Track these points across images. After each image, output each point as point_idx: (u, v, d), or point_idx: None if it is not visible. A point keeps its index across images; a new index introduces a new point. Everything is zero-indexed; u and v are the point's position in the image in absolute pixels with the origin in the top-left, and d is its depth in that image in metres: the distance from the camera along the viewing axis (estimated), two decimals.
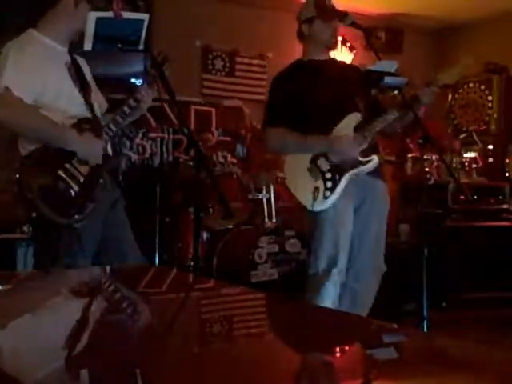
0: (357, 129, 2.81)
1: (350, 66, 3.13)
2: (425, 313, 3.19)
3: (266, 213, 4.34)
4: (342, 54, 6.86)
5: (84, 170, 2.37)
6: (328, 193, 2.74)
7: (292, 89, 2.86)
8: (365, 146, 2.79)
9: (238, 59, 6.44)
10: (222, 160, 4.77)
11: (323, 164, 2.78)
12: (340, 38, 6.79)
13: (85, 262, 2.32)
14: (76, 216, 2.32)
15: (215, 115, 6.08)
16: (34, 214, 2.30)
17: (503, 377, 0.77)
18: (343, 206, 2.77)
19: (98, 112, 2.50)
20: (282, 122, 2.82)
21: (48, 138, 2.33)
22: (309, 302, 2.67)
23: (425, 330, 3.11)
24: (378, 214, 2.89)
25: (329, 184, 2.75)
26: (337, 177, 2.76)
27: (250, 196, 4.44)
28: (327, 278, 2.75)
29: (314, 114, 2.81)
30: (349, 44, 6.78)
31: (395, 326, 1.00)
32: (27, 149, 2.33)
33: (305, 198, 2.75)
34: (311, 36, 2.89)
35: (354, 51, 6.79)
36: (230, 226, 4.26)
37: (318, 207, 2.73)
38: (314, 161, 2.78)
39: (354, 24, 2.86)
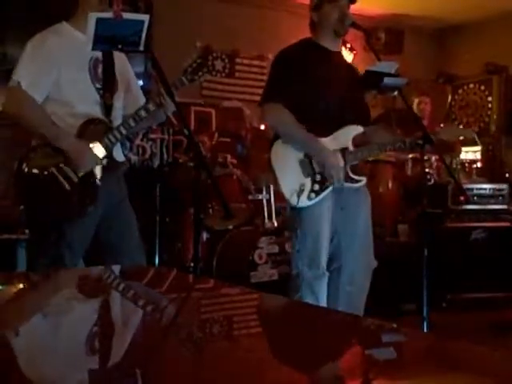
0: (355, 142, 2.81)
1: (353, 67, 3.08)
2: (425, 313, 3.19)
3: (266, 213, 4.34)
4: None
5: (81, 172, 2.36)
6: (313, 195, 2.74)
7: (299, 65, 2.77)
8: (355, 162, 2.82)
9: (238, 60, 6.44)
10: (221, 161, 4.77)
11: (317, 164, 2.75)
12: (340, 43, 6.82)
13: (72, 260, 2.32)
14: (65, 215, 2.32)
15: (215, 116, 6.08)
16: (21, 207, 2.32)
17: (503, 377, 0.77)
18: (325, 206, 2.77)
19: (116, 113, 2.49)
20: (284, 100, 2.72)
21: (46, 138, 2.35)
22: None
23: (425, 330, 3.11)
24: (364, 212, 2.90)
25: (316, 187, 2.74)
26: (326, 183, 2.75)
27: (250, 196, 4.44)
28: (310, 278, 2.76)
29: (314, 104, 2.75)
30: (349, 45, 6.78)
31: (395, 325, 1.00)
32: (36, 141, 2.37)
33: (289, 191, 2.72)
34: (320, 21, 2.83)
35: (354, 52, 6.79)
36: (230, 227, 4.26)
37: (300, 204, 2.72)
38: (308, 156, 2.76)
39: (353, 24, 2.85)
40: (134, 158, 5.33)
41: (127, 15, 2.38)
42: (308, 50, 2.85)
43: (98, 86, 2.44)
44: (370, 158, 3.04)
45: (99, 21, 2.28)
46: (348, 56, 6.85)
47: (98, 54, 2.45)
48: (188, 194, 4.45)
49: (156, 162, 5.46)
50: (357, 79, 2.96)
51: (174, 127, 5.33)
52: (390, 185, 5.13)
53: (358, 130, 2.82)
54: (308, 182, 2.73)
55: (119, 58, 2.55)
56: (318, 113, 2.73)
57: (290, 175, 2.75)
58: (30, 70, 2.33)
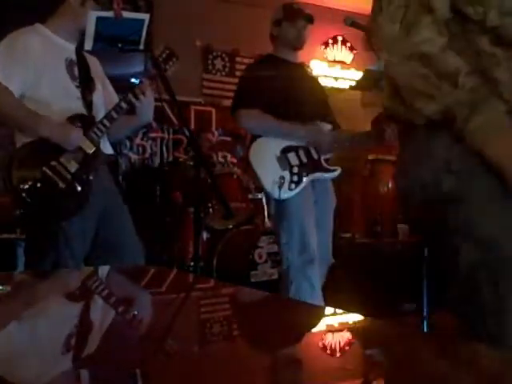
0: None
1: (315, 78, 3.42)
2: (425, 313, 3.19)
3: (266, 213, 4.34)
4: (342, 54, 6.86)
5: (72, 167, 2.36)
6: (293, 185, 2.87)
7: (264, 76, 2.93)
8: (328, 155, 2.98)
9: (238, 59, 6.44)
10: (221, 160, 4.77)
11: (292, 158, 2.90)
12: (340, 38, 6.82)
13: (74, 261, 2.31)
14: (61, 214, 2.31)
15: (215, 115, 6.09)
16: (17, 211, 2.31)
17: (503, 377, 0.77)
18: (307, 196, 2.90)
19: (98, 110, 2.49)
20: (256, 105, 2.87)
21: (22, 126, 2.34)
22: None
23: (425, 329, 3.11)
24: (328, 210, 3.05)
25: (295, 178, 2.88)
26: (303, 173, 2.90)
27: (250, 196, 4.44)
28: (301, 264, 2.81)
29: (281, 110, 2.88)
30: (349, 44, 6.78)
31: (394, 325, 1.00)
32: (20, 142, 2.35)
33: (270, 185, 2.84)
34: (279, 36, 3.03)
35: (354, 51, 6.79)
36: (230, 226, 4.26)
37: (283, 196, 2.84)
38: (284, 152, 2.90)
39: (354, 24, 2.87)
40: (134, 157, 5.33)
41: (127, 14, 2.39)
42: (269, 63, 3.03)
43: (76, 84, 2.44)
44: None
45: (99, 19, 2.28)
46: (348, 55, 6.85)
47: (72, 56, 2.45)
48: (188, 194, 4.45)
49: (156, 161, 5.46)
50: (320, 87, 3.24)
51: (174, 126, 5.33)
52: (389, 184, 5.13)
53: (327, 126, 3.00)
54: (287, 174, 2.87)
55: (92, 60, 2.57)
56: (289, 115, 2.88)
57: (269, 170, 2.88)
58: (5, 64, 2.31)
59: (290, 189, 2.86)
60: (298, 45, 3.03)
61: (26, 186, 2.28)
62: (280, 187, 2.82)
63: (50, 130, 2.32)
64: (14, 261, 4.07)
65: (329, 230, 3.05)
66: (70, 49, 2.45)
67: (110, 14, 2.32)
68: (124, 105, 2.43)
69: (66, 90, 2.40)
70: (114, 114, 2.43)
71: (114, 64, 2.72)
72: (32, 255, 2.42)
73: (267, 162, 2.89)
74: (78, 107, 2.42)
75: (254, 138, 2.96)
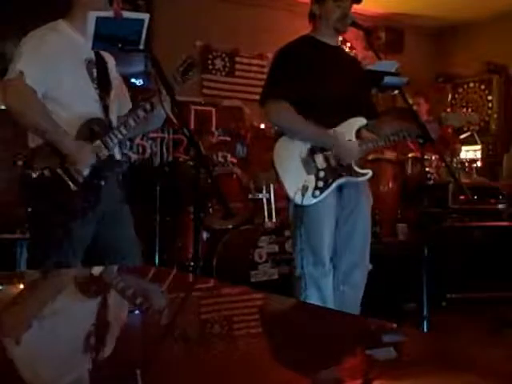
0: (359, 135, 2.80)
1: (356, 60, 3.12)
2: (425, 313, 3.19)
3: (266, 213, 4.33)
4: None
5: (85, 170, 2.36)
6: (317, 192, 2.72)
7: (300, 61, 2.76)
8: (362, 155, 2.81)
9: (238, 59, 6.45)
10: (221, 160, 4.77)
11: (320, 161, 2.74)
12: (340, 38, 6.83)
13: (75, 261, 2.31)
14: (70, 215, 2.31)
15: (215, 115, 6.09)
16: (29, 209, 2.30)
17: (503, 377, 0.77)
18: (330, 203, 2.75)
19: (113, 113, 2.49)
20: (287, 97, 2.70)
21: (44, 137, 2.33)
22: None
23: (425, 330, 3.11)
24: (364, 214, 2.87)
25: (320, 184, 2.72)
26: (330, 180, 2.74)
27: (250, 196, 4.44)
28: (316, 276, 2.73)
29: (317, 99, 2.73)
30: (349, 44, 6.78)
31: (395, 325, 1.00)
32: (35, 142, 2.35)
33: (293, 189, 2.70)
34: (321, 16, 2.81)
35: (354, 51, 6.78)
36: (230, 226, 4.26)
37: (305, 202, 2.70)
38: (311, 153, 2.74)
39: (354, 24, 2.85)
40: (134, 156, 5.33)
41: (127, 14, 2.38)
42: (308, 47, 2.83)
43: (95, 85, 2.44)
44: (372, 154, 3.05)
45: (99, 20, 2.28)
46: None
47: (92, 56, 2.45)
48: (188, 193, 4.45)
49: (156, 161, 5.46)
50: (361, 73, 2.95)
51: (174, 126, 5.33)
52: (389, 184, 5.13)
53: (361, 122, 2.81)
54: (312, 179, 2.72)
55: (110, 60, 2.56)
56: (321, 108, 2.71)
57: (293, 173, 2.73)
58: (31, 63, 2.30)
59: (313, 195, 2.70)
60: (341, 27, 2.80)
61: (39, 186, 2.28)
62: (303, 193, 2.67)
63: (70, 149, 2.32)
64: (14, 261, 4.08)
65: (363, 233, 2.87)
66: (89, 48, 2.44)
67: (109, 13, 2.32)
68: (141, 114, 2.42)
69: (85, 92, 2.40)
70: (132, 122, 2.43)
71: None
72: (35, 255, 2.42)
73: (292, 163, 2.73)
74: (96, 110, 2.42)
75: (279, 135, 2.80)
